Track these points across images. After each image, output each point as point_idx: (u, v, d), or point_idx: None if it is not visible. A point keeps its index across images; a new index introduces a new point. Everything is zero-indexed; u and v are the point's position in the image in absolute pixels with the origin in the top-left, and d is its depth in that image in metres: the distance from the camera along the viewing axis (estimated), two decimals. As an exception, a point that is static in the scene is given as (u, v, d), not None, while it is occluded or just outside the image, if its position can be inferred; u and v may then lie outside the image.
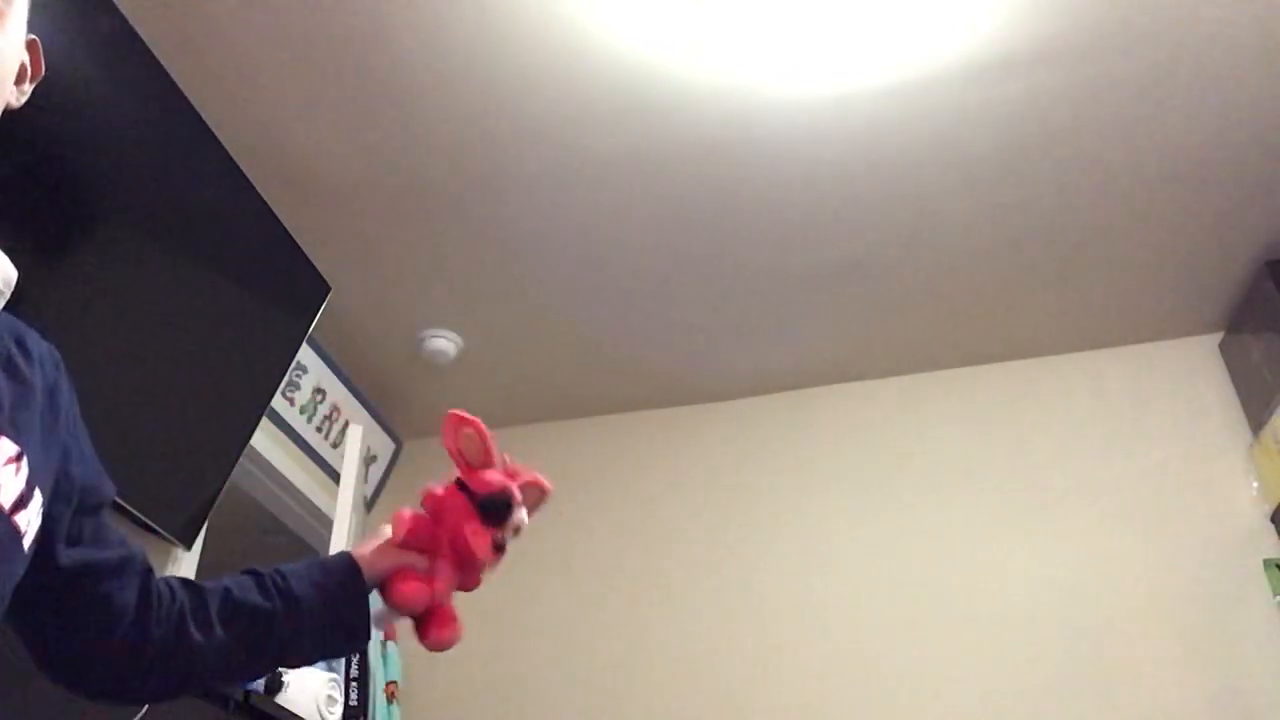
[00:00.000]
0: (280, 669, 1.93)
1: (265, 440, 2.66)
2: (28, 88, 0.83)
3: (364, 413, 3.12)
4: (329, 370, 2.96)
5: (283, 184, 2.36)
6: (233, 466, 2.29)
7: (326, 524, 2.70)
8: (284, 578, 0.95)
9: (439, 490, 0.99)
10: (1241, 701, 2.39)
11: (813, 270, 2.68)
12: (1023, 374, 3.00)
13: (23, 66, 0.81)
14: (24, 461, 0.72)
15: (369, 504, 3.04)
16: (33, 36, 0.82)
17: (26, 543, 0.72)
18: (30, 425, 0.75)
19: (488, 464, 0.99)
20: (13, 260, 0.76)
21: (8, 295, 0.77)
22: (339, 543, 2.48)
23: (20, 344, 0.78)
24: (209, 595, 0.93)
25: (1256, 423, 2.62)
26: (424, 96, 2.18)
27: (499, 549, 0.97)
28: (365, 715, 2.47)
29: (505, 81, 2.14)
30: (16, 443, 0.72)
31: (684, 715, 2.72)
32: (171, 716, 1.66)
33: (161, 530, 2.10)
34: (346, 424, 2.95)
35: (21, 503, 0.71)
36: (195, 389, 2.15)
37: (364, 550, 1.00)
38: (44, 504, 0.75)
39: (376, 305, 2.86)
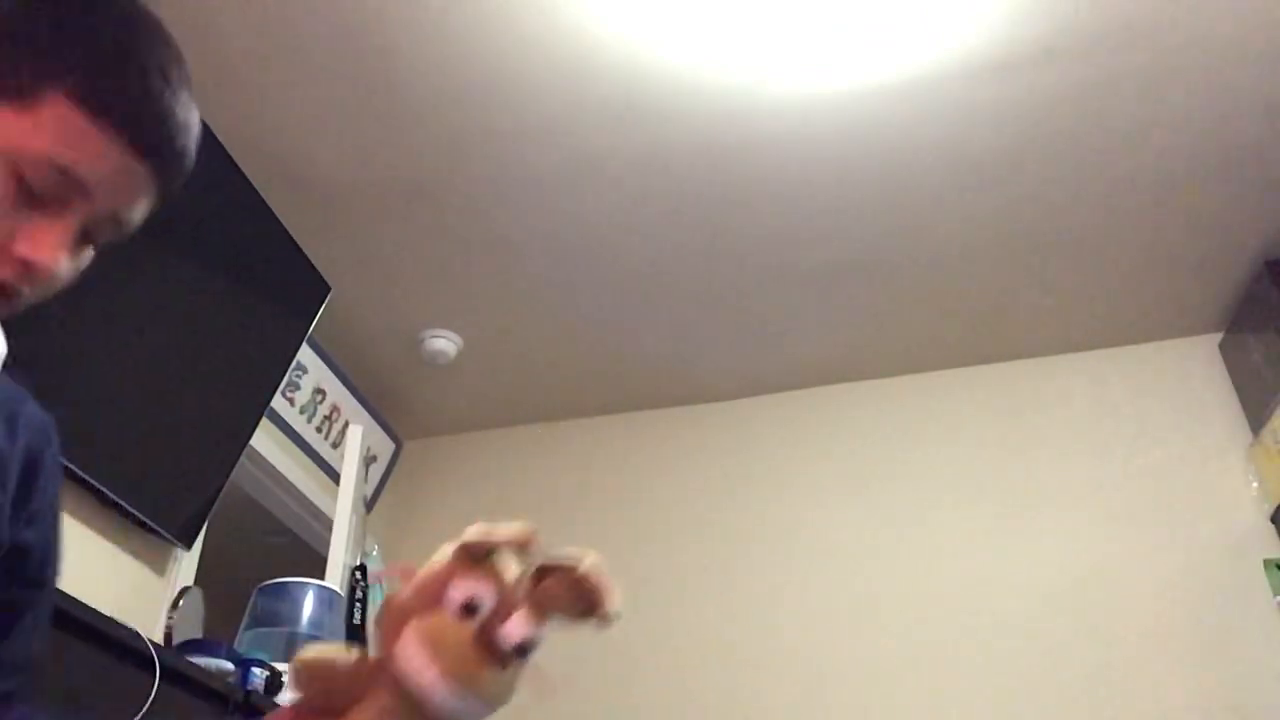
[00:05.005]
0: (281, 669, 1.94)
1: (265, 440, 2.66)
2: None
3: (364, 413, 3.12)
4: (329, 370, 2.96)
5: (283, 184, 2.37)
6: (233, 466, 2.29)
7: (326, 524, 2.70)
8: None
9: None
10: (1242, 701, 2.39)
11: (813, 270, 2.69)
12: (1022, 374, 3.00)
13: None
14: None
15: (369, 504, 3.04)
16: None
17: None
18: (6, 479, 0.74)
19: None
20: None
21: None
22: (339, 542, 2.49)
23: (10, 419, 0.76)
24: None
25: (1256, 423, 2.62)
26: (425, 97, 2.18)
27: None
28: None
29: (505, 81, 2.14)
30: None
31: (682, 714, 2.72)
32: (170, 716, 1.66)
33: (161, 530, 2.10)
34: (346, 424, 2.95)
35: None
36: (195, 389, 2.15)
37: None
38: None
39: (376, 305, 2.86)
